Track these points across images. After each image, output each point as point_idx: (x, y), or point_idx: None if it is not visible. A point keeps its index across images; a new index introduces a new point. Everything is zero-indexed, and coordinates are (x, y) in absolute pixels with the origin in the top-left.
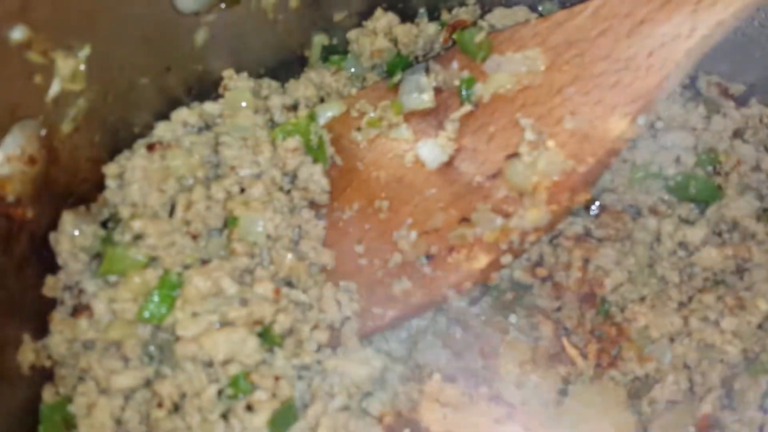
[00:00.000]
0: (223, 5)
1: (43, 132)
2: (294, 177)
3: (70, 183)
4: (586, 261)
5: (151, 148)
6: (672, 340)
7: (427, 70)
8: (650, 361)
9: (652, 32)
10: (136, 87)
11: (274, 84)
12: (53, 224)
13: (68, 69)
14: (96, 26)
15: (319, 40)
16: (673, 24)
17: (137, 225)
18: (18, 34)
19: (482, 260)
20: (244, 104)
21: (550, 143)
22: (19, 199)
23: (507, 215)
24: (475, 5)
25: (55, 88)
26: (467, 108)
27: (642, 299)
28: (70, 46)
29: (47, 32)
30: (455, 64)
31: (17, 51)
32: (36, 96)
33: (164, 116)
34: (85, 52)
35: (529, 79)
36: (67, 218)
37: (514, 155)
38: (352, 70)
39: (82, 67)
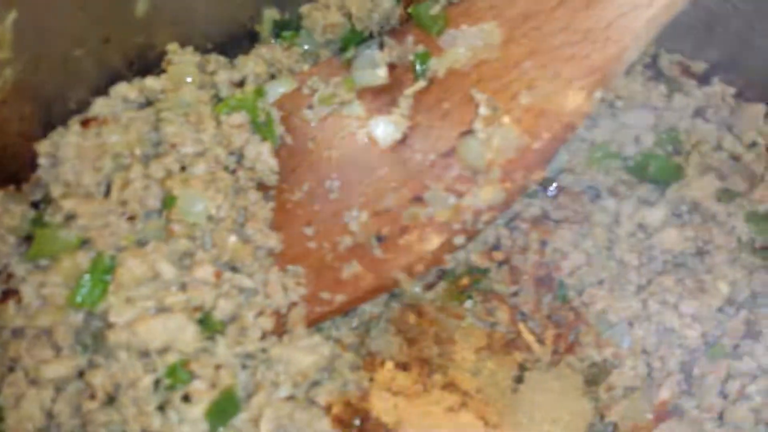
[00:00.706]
0: None
1: None
2: (240, 156)
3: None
4: (544, 243)
5: (85, 123)
6: (630, 324)
7: (381, 45)
8: (608, 346)
9: (610, 3)
10: (71, 58)
11: (222, 59)
12: None
13: None
14: None
15: (270, 14)
16: None
17: (69, 204)
18: None
19: (434, 241)
20: (188, 79)
21: (505, 119)
22: None
23: (460, 194)
24: None
25: None
26: (421, 84)
27: (600, 282)
28: None
29: None
30: (410, 39)
31: None
32: None
33: (103, 91)
34: (11, 16)
35: (485, 53)
36: None
37: (469, 132)
38: (305, 46)
39: (8, 34)
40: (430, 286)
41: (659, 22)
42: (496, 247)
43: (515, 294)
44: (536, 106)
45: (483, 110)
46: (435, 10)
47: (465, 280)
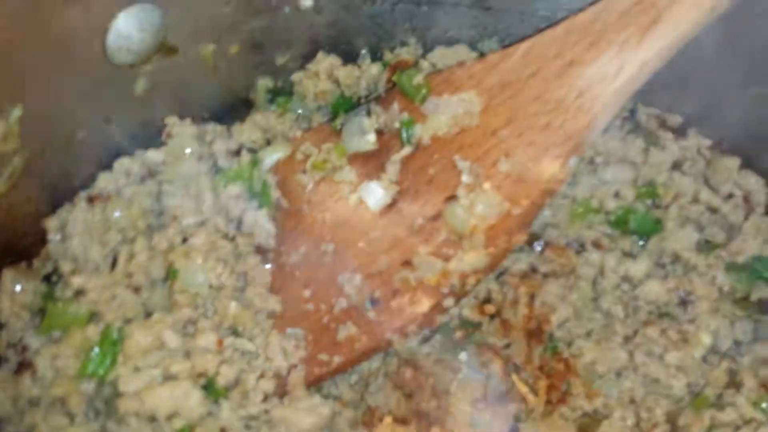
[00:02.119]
0: (159, 56)
1: None
2: (239, 223)
3: (9, 240)
4: (532, 297)
5: (91, 200)
6: (618, 374)
7: (369, 112)
8: (598, 396)
9: (580, 73)
10: (74, 140)
11: (219, 128)
12: None
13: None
14: (26, 87)
15: (264, 83)
16: (599, 65)
17: (78, 281)
18: None
19: (425, 304)
20: (188, 151)
21: (486, 185)
22: None
23: (447, 258)
24: (417, 44)
25: None
26: (408, 150)
27: (588, 334)
28: (0, 108)
29: None
30: (396, 106)
31: None
32: None
33: (107, 166)
34: (17, 113)
35: (466, 120)
36: (8, 276)
37: (453, 198)
38: (299, 111)
39: (16, 127)
40: (425, 340)
41: (627, 91)
42: (487, 300)
43: (507, 346)
44: (515, 173)
45: (465, 177)
46: (418, 79)
47: (459, 334)
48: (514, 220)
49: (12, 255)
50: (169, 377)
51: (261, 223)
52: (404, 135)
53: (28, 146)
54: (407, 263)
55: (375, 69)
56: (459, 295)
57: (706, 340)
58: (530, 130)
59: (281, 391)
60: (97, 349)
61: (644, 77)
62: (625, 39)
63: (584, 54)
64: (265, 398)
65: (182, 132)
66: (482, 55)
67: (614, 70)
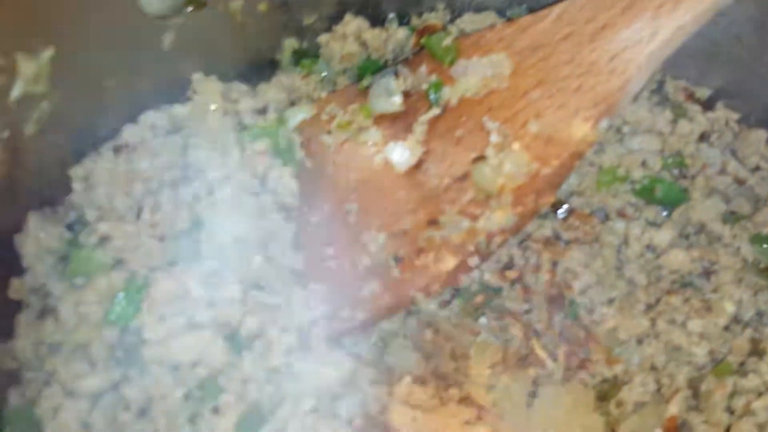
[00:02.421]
0: (189, 8)
1: (6, 134)
2: (264, 180)
3: (35, 185)
4: (555, 263)
5: (117, 150)
6: (640, 342)
7: (396, 74)
8: (618, 363)
9: (614, 37)
10: (102, 90)
11: (244, 87)
12: (18, 227)
13: (31, 71)
14: (59, 29)
15: (290, 43)
16: (634, 29)
17: (103, 227)
18: None
19: (450, 262)
20: (213, 107)
21: (516, 146)
22: None
23: (474, 217)
24: (445, 10)
25: (17, 90)
26: (435, 111)
27: (610, 301)
28: (33, 48)
29: (8, 34)
30: (424, 68)
31: None
32: None
33: (132, 119)
34: (48, 53)
35: (495, 82)
36: (33, 220)
37: (481, 158)
38: (324, 73)
39: (46, 68)
40: (445, 304)
41: (660, 55)
42: (508, 266)
43: (528, 312)
44: (545, 135)
45: (494, 138)
46: (447, 41)
47: (479, 298)
48: (542, 181)
49: (36, 201)
50: (192, 326)
51: (285, 180)
52: (432, 97)
53: (57, 90)
54: (433, 222)
55: (402, 33)
56: (484, 254)
57: (730, 308)
58: (561, 92)
59: (304, 345)
60: (121, 296)
61: (679, 41)
62: (660, 3)
63: (618, 18)
64: (288, 351)
65: (207, 88)
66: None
67: (648, 34)
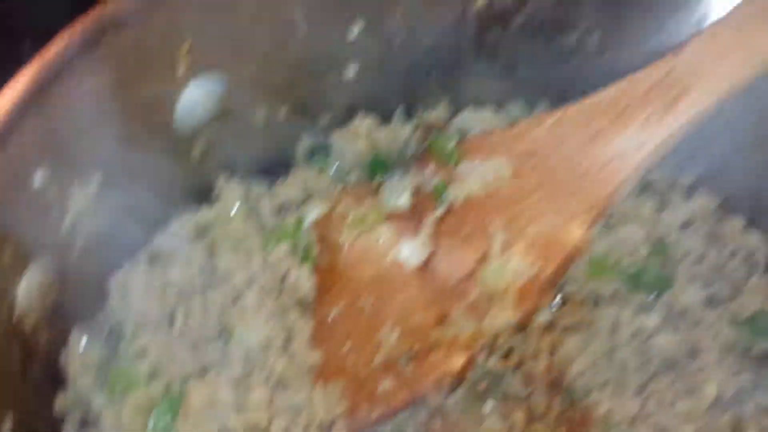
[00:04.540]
0: (217, 121)
1: (57, 262)
2: (284, 279)
3: (77, 301)
4: (554, 349)
5: (151, 261)
6: (631, 424)
7: (405, 174)
8: None
9: (604, 146)
10: (137, 203)
11: (263, 187)
12: (63, 343)
13: (81, 200)
14: (105, 159)
15: (305, 142)
16: (624, 138)
17: (141, 342)
18: (38, 178)
19: (459, 360)
20: (235, 208)
21: (517, 248)
22: (35, 329)
23: (480, 317)
24: (448, 106)
25: (68, 220)
26: (442, 210)
27: (604, 384)
28: (83, 178)
29: (63, 169)
30: (430, 168)
31: (37, 194)
32: (51, 230)
33: (162, 225)
34: (97, 180)
35: (497, 185)
36: (75, 336)
37: (485, 258)
38: (335, 167)
39: (94, 195)
40: (452, 390)
41: (648, 164)
42: (510, 352)
43: (529, 395)
44: (544, 237)
45: (497, 239)
46: (451, 144)
47: (483, 384)
48: (543, 281)
49: (77, 316)
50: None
51: (304, 279)
52: (438, 197)
53: (99, 211)
54: (443, 320)
55: (408, 128)
56: (490, 351)
57: (712, 390)
58: (558, 196)
59: None
60: (160, 407)
61: (666, 150)
62: (648, 115)
63: (609, 127)
64: None
65: (230, 190)
66: (509, 115)
67: (637, 143)
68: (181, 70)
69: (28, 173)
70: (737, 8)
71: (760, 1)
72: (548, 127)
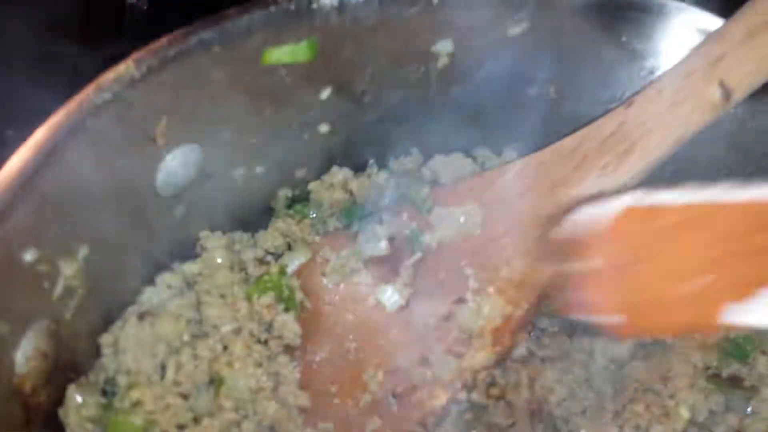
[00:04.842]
0: (197, 184)
1: (52, 327)
2: (269, 326)
3: (71, 360)
4: (533, 380)
5: (141, 317)
6: None
7: (381, 221)
8: None
9: (566, 194)
10: (125, 264)
11: (245, 236)
12: (60, 400)
13: (71, 269)
14: (91, 227)
15: (283, 193)
16: (583, 187)
17: (136, 394)
18: (30, 255)
19: (442, 398)
20: (219, 260)
21: (491, 289)
22: (35, 389)
23: (460, 356)
24: (418, 153)
25: (59, 288)
26: (418, 255)
27: (583, 411)
28: (71, 251)
29: (53, 245)
30: (405, 215)
31: (29, 268)
32: (44, 298)
33: (149, 280)
34: (84, 251)
35: (469, 230)
36: (72, 392)
37: (462, 300)
38: (314, 215)
39: (83, 264)
40: (439, 422)
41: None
42: (492, 384)
43: (512, 425)
44: (515, 279)
45: (471, 282)
46: (424, 192)
47: (468, 415)
48: (515, 322)
49: (72, 373)
50: None
51: (289, 325)
52: (414, 242)
53: (90, 278)
54: (424, 360)
55: (382, 176)
56: (470, 387)
57: (685, 413)
58: (526, 240)
59: None
60: None
61: (624, 195)
62: (604, 164)
63: (569, 176)
64: None
65: (214, 243)
66: (476, 161)
67: (596, 192)
68: (159, 143)
69: (20, 251)
70: (683, 61)
71: (704, 53)
72: (513, 176)
